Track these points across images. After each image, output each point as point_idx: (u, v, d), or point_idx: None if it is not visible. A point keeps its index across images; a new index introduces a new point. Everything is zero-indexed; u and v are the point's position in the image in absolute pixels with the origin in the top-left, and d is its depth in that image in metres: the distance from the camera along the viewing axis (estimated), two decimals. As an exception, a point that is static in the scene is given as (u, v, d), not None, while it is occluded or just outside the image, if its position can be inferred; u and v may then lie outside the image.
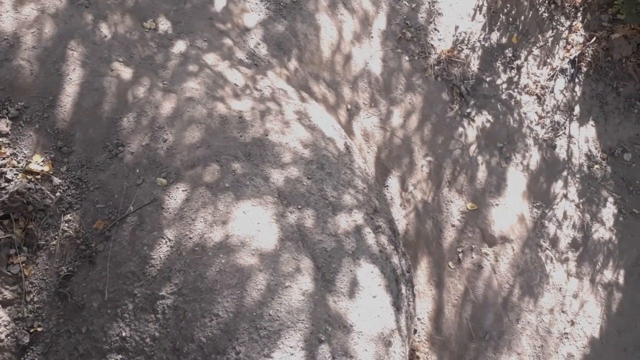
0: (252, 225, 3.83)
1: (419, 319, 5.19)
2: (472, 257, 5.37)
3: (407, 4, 5.81)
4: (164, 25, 4.59)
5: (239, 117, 4.28)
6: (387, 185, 5.42)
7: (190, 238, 3.75)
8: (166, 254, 3.73)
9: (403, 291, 4.29)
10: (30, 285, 3.83)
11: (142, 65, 4.30)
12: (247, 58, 4.83)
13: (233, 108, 4.32)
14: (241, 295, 3.60)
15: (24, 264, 3.87)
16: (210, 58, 4.58)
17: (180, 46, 4.53)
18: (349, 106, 5.43)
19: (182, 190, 3.88)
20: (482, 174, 5.56)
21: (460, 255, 5.36)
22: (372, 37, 5.65)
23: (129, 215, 3.86)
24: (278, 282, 3.68)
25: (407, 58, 5.71)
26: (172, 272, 3.69)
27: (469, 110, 5.71)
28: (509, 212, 5.48)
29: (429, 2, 5.88)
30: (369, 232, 4.24)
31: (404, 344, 4.14)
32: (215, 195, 3.88)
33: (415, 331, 5.15)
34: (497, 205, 5.49)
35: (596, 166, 5.77)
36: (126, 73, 4.21)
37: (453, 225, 5.44)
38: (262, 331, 3.52)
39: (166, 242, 3.76)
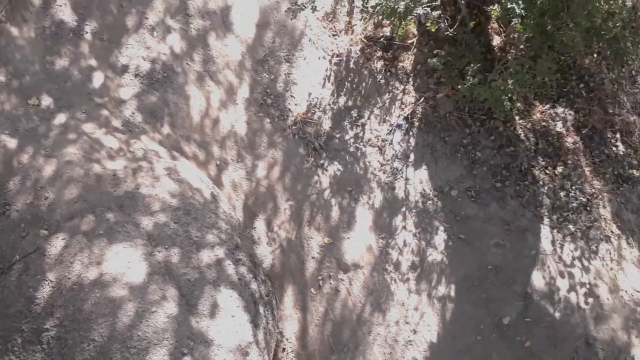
0: (123, 263, 4.35)
1: (287, 339, 5.77)
2: (331, 283, 6.04)
3: (266, 76, 6.60)
4: (47, 101, 5.13)
5: (113, 174, 4.84)
6: (254, 227, 6.06)
7: (69, 278, 4.22)
8: (48, 293, 4.17)
9: (261, 311, 4.88)
10: None
11: (26, 136, 4.80)
12: (122, 125, 5.42)
13: (108, 167, 4.87)
14: (113, 321, 4.09)
15: None
16: (88, 127, 5.14)
17: (61, 118, 5.07)
18: (218, 162, 6.09)
19: (62, 239, 4.36)
20: (335, 213, 6.31)
21: (321, 282, 6.03)
22: (237, 104, 6.38)
23: (15, 263, 4.29)
24: (145, 309, 4.20)
25: (268, 120, 6.47)
26: (54, 308, 4.13)
27: (322, 162, 6.49)
28: (359, 244, 6.23)
29: (285, 74, 6.70)
30: (229, 264, 4.83)
31: (262, 355, 4.70)
32: (90, 241, 4.39)
33: (283, 349, 5.71)
34: (349, 238, 6.23)
35: (429, 202, 6.65)
36: (12, 143, 4.70)
37: (313, 258, 6.12)
38: (132, 349, 4.01)
39: (48, 283, 4.21)
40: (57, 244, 4.35)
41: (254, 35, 6.65)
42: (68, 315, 4.11)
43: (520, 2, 5.56)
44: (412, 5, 6.00)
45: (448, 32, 6.12)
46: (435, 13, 5.96)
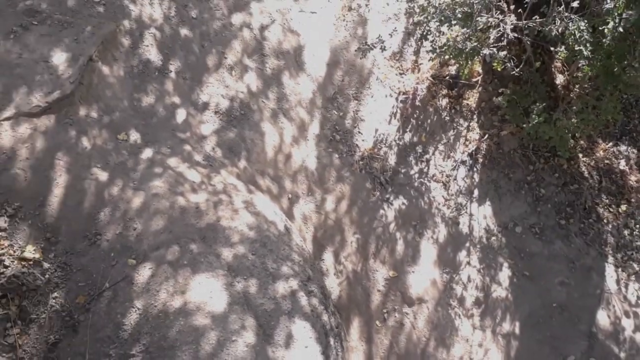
0: (206, 293, 4.44)
1: (352, 371, 5.75)
2: (395, 316, 6.00)
3: (335, 113, 6.69)
4: (134, 136, 5.33)
5: (196, 207, 4.96)
6: (322, 259, 6.09)
7: (155, 306, 4.33)
8: (135, 320, 4.29)
9: (331, 343, 4.88)
10: (23, 353, 4.32)
11: (116, 169, 4.99)
12: (203, 160, 5.57)
13: (191, 200, 5.01)
14: (197, 349, 4.16)
15: (18, 335, 4.37)
16: (173, 161, 5.30)
17: (147, 153, 5.25)
18: (290, 195, 6.17)
19: (149, 268, 4.49)
20: (400, 247, 6.29)
21: (386, 315, 5.99)
22: (307, 140, 6.47)
23: (105, 290, 4.44)
24: (226, 337, 4.26)
25: (337, 155, 6.53)
26: (140, 334, 4.24)
27: (388, 196, 6.49)
28: (424, 278, 6.18)
29: (354, 111, 6.77)
30: (303, 296, 4.86)
31: (333, 387, 4.70)
32: (175, 270, 4.50)
33: (349, 381, 5.69)
34: (413, 272, 6.19)
35: (493, 238, 6.55)
36: (103, 176, 4.89)
37: (379, 290, 6.09)
38: (214, 378, 4.07)
39: (135, 310, 4.33)
40: (144, 273, 4.48)
41: (325, 73, 6.76)
42: (154, 342, 4.21)
43: (587, 45, 5.49)
44: (479, 46, 5.99)
45: (514, 72, 6.07)
46: (502, 53, 5.93)
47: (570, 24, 5.60)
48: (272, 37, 6.57)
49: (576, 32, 5.61)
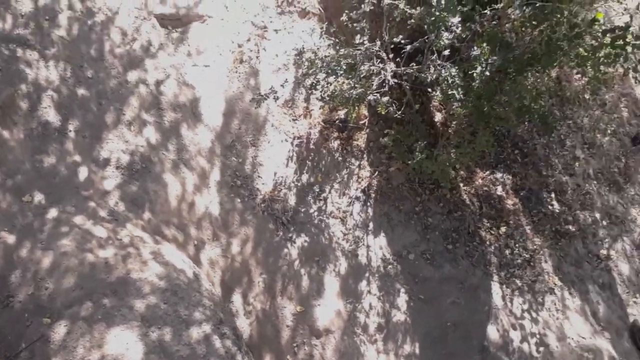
0: (122, 345, 4.80)
1: (268, 406, 6.22)
2: (305, 349, 6.56)
3: (235, 160, 7.24)
4: (38, 197, 5.62)
5: (105, 262, 5.32)
6: (232, 301, 6.57)
7: (73, 361, 4.65)
8: (53, 377, 4.58)
9: (246, 381, 5.36)
10: None
11: (23, 231, 5.27)
12: (108, 215, 5.93)
13: (100, 256, 5.36)
14: (117, 399, 4.51)
15: None
16: (78, 219, 5.64)
17: (53, 213, 5.56)
18: (196, 242, 6.62)
19: (64, 326, 4.80)
20: (305, 282, 6.89)
21: (296, 348, 6.54)
22: (209, 187, 6.98)
23: (22, 351, 4.70)
24: (145, 385, 4.64)
25: (239, 200, 7.07)
26: (59, 391, 4.53)
27: (290, 235, 7.10)
28: (329, 310, 6.80)
29: (252, 157, 7.36)
30: (216, 339, 5.32)
31: (250, 421, 5.16)
32: (90, 326, 4.83)
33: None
34: (319, 305, 6.80)
35: (390, 266, 7.30)
36: (10, 239, 5.16)
37: (288, 326, 6.64)
38: None
39: (53, 368, 4.62)
40: (60, 330, 4.77)
41: (222, 123, 7.33)
42: (73, 396, 4.51)
43: (459, 89, 6.44)
44: (364, 93, 6.82)
45: (396, 114, 6.93)
46: (385, 98, 6.79)
47: (442, 70, 6.56)
48: (168, 91, 7.07)
49: (449, 77, 6.57)
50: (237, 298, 6.61)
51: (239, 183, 7.14)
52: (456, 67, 6.61)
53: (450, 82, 6.45)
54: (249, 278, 6.74)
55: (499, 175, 8.39)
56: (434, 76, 6.66)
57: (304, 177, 7.50)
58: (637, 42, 6.18)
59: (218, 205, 6.91)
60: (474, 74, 6.54)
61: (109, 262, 5.34)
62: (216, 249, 6.72)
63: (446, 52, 6.52)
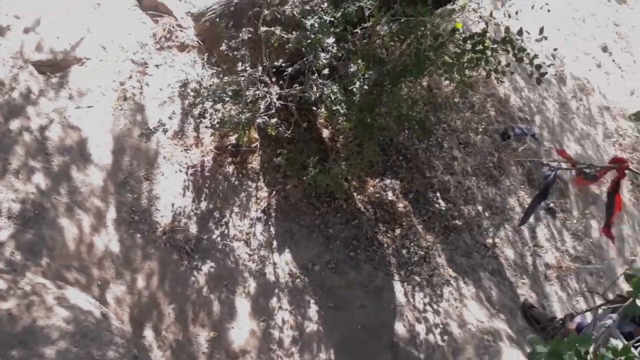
0: (37, 392, 4.77)
1: None
2: (223, 373, 6.71)
3: (130, 196, 7.30)
4: None
5: (8, 314, 5.25)
6: (144, 336, 6.60)
7: (-14, 418, 4.56)
8: None
9: (170, 410, 5.45)
10: None
11: None
12: (5, 266, 5.84)
13: (2, 308, 5.28)
14: None
15: None
16: (-26, 274, 5.52)
17: (-55, 271, 5.41)
18: (100, 282, 6.61)
19: (-28, 383, 4.70)
20: (216, 307, 7.06)
21: (214, 374, 6.68)
22: (107, 226, 6.99)
23: None
24: None
25: (139, 235, 7.13)
26: None
27: (196, 263, 7.25)
28: (243, 331, 7.00)
29: (147, 191, 7.44)
30: (134, 374, 5.39)
31: None
32: (1, 379, 4.76)
33: None
34: (233, 328, 6.98)
35: (297, 280, 7.62)
36: None
37: (203, 353, 6.77)
38: None
39: None
40: (-33, 389, 4.67)
41: (112, 161, 7.38)
42: None
43: (342, 104, 6.94)
44: (253, 116, 7.16)
45: (286, 134, 7.32)
46: (273, 120, 7.16)
47: (325, 88, 7.03)
48: (54, 136, 7.04)
49: (331, 94, 7.05)
50: (148, 332, 6.65)
51: (137, 218, 7.21)
52: (337, 84, 7.12)
53: (333, 98, 6.94)
54: (159, 311, 6.81)
55: (388, 181, 8.99)
56: (318, 94, 7.12)
57: (203, 205, 7.69)
58: (494, 46, 6.98)
59: (118, 243, 6.94)
60: (354, 89, 7.07)
61: (13, 313, 5.27)
62: (121, 287, 6.74)
63: (326, 71, 7.01)
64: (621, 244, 10.13)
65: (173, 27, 8.74)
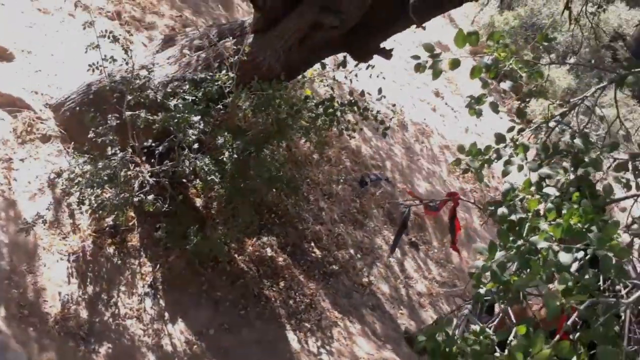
0: None
1: None
2: None
3: (16, 291, 7.54)
4: None
5: None
6: None
7: None
8: None
9: None
10: None
11: None
12: None
13: None
14: None
15: None
16: None
17: None
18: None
19: None
20: (120, 386, 7.43)
21: None
22: (-4, 325, 7.20)
23: None
24: None
25: (32, 329, 7.37)
26: None
27: (93, 347, 7.59)
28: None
29: (32, 284, 7.72)
30: None
31: None
32: None
33: None
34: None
35: (195, 346, 8.17)
36: None
37: None
38: None
39: None
40: None
41: (-8, 259, 7.61)
42: None
43: (216, 174, 7.81)
44: (130, 196, 7.80)
45: (163, 208, 8.02)
46: (150, 197, 7.85)
47: (197, 161, 7.86)
48: None
49: (204, 166, 7.90)
50: (56, 423, 6.88)
51: (27, 312, 7.46)
52: (207, 157, 8.00)
53: (207, 169, 7.79)
54: (63, 400, 7.08)
55: (265, 239, 9.91)
56: (191, 168, 7.94)
57: (89, 289, 8.08)
58: (343, 108, 8.29)
59: (12, 339, 7.15)
60: (224, 159, 7.99)
61: None
62: (22, 382, 6.94)
63: (195, 146, 7.87)
64: (475, 258, 11.76)
65: (33, 120, 9.19)
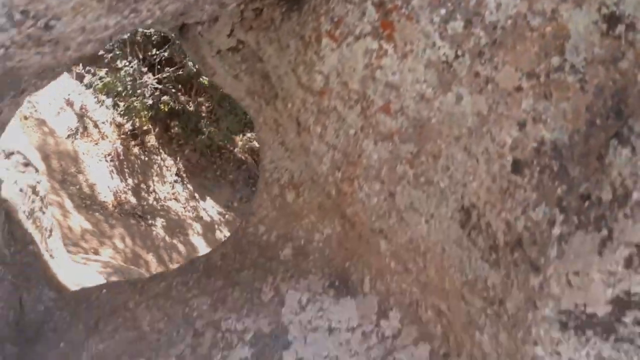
0: None
1: None
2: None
3: (74, 188, 9.43)
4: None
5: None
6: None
7: None
8: None
9: None
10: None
11: None
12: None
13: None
14: None
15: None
16: None
17: None
18: (92, 250, 8.77)
19: None
20: (181, 247, 9.60)
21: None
22: (71, 213, 9.09)
23: None
24: None
25: (97, 213, 9.33)
26: None
27: (150, 222, 9.68)
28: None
29: (84, 181, 9.61)
30: None
31: None
32: None
33: None
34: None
35: (227, 215, 10.45)
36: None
37: (190, 279, 9.31)
38: None
39: None
40: None
41: (45, 167, 9.42)
42: None
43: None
44: (146, 101, 9.81)
45: (174, 109, 10.08)
46: (164, 98, 9.92)
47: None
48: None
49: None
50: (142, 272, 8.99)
51: (89, 202, 9.40)
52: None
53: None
54: (143, 259, 9.17)
55: (249, 134, 12.15)
56: (195, 69, 10.03)
57: (130, 181, 10.08)
58: None
59: (87, 222, 9.10)
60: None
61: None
62: (108, 250, 8.96)
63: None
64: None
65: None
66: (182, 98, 10.68)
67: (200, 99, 11.48)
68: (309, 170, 3.31)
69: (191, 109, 10.87)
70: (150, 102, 9.81)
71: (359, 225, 3.03)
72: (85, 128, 10.24)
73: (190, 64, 9.77)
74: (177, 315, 3.67)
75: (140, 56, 10.18)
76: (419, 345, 2.93)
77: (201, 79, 10.51)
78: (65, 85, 10.52)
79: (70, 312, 4.05)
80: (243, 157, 11.52)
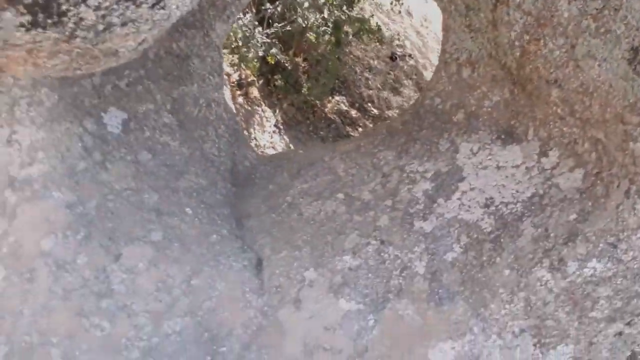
0: None
1: None
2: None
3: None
4: None
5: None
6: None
7: None
8: None
9: None
10: None
11: None
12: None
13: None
14: None
15: None
16: None
17: None
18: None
19: None
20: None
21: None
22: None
23: None
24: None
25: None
26: None
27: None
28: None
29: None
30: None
31: None
32: None
33: None
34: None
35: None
36: None
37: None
38: None
39: None
40: None
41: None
42: None
43: (329, 27, 11.19)
44: (256, 52, 11.06)
45: (278, 63, 11.33)
46: (273, 50, 11.19)
47: (311, 16, 11.22)
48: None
49: (320, 19, 11.26)
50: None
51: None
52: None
53: (318, 23, 11.17)
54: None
55: (338, 98, 13.41)
56: (305, 24, 11.31)
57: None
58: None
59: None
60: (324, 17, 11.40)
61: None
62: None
63: (306, 4, 11.18)
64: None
65: None
66: (290, 54, 11.91)
67: (299, 59, 12.75)
68: (488, 46, 4.48)
69: (292, 65, 12.12)
70: (261, 53, 11.04)
71: (531, 84, 4.18)
72: (197, 76, 11.55)
73: (299, 20, 11.02)
74: (367, 164, 4.88)
75: (254, 10, 11.45)
76: (574, 171, 4.06)
77: (309, 34, 11.72)
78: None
79: (273, 166, 5.29)
80: (332, 118, 12.74)
